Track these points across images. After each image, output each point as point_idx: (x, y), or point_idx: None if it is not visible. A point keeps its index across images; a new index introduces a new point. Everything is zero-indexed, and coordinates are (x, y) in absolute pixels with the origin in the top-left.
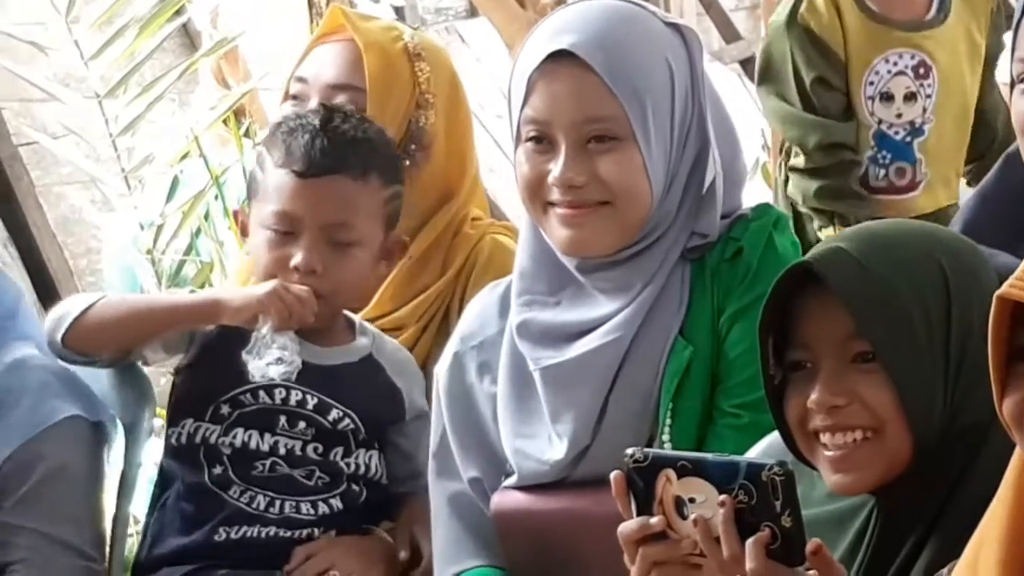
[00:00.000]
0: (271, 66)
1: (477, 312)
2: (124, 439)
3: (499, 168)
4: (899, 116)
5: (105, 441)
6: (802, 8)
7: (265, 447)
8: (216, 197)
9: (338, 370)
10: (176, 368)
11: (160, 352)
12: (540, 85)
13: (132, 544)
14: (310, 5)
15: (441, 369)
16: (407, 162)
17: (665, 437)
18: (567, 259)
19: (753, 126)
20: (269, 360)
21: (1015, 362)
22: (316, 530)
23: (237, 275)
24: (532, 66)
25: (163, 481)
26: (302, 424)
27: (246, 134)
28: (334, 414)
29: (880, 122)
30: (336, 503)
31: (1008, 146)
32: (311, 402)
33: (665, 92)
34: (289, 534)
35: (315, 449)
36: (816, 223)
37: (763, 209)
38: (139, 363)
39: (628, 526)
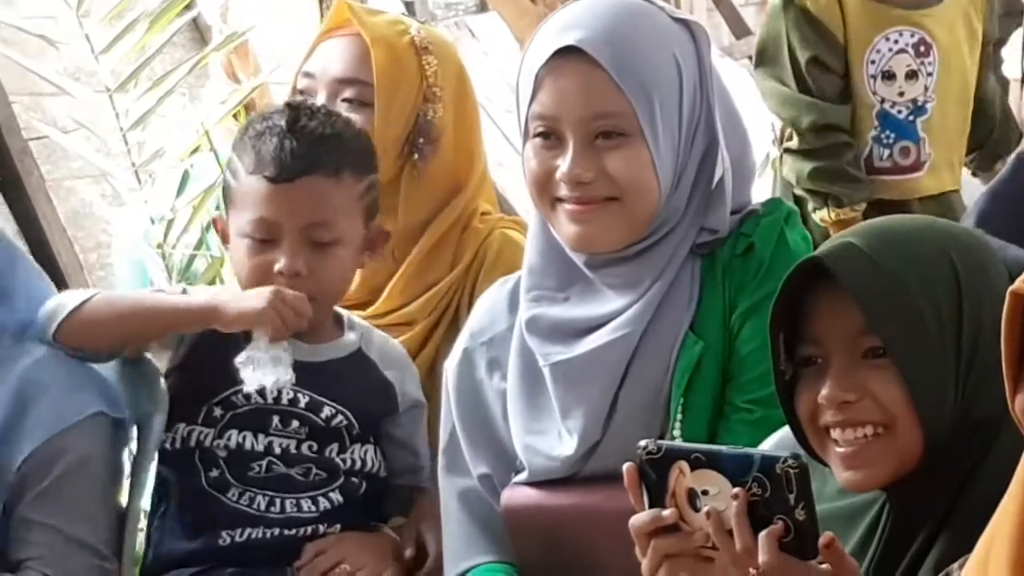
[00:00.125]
0: (281, 60)
1: (487, 308)
2: (136, 436)
3: (508, 162)
4: (901, 94)
5: (124, 439)
6: None
7: (260, 447)
8: None
9: (328, 367)
10: (166, 371)
11: (150, 349)
12: (548, 81)
13: (139, 541)
14: None
15: (451, 365)
16: (415, 156)
17: (676, 432)
18: (576, 255)
19: (763, 121)
20: (264, 371)
21: None
22: (321, 526)
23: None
24: (540, 62)
25: (160, 487)
26: (295, 423)
27: None
28: (326, 411)
29: (883, 101)
30: (336, 497)
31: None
32: (303, 400)
33: (673, 88)
34: (294, 532)
35: (310, 447)
36: (810, 204)
37: (774, 204)
38: (149, 358)
39: (640, 518)
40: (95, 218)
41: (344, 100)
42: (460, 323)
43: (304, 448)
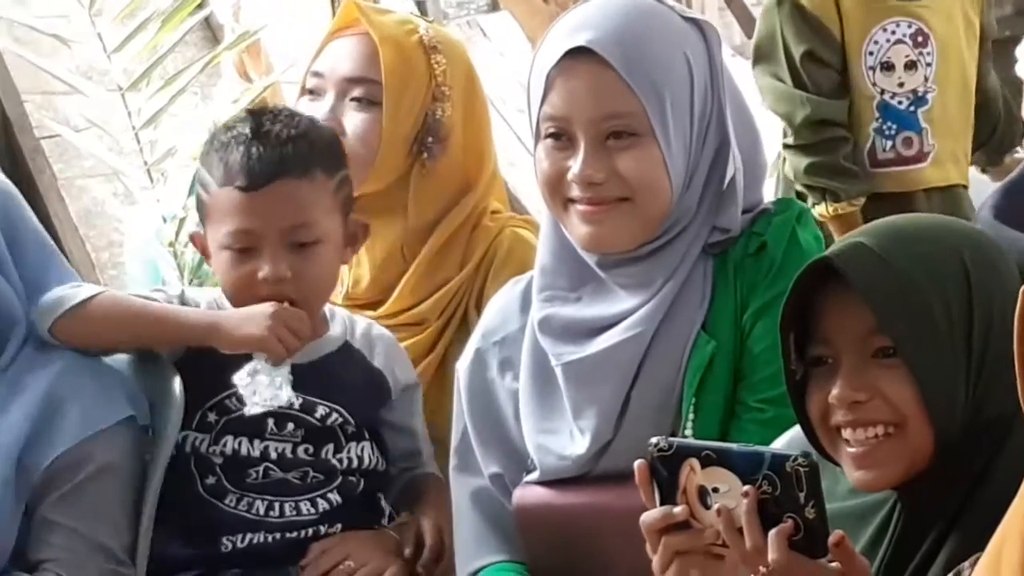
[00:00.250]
0: (293, 59)
1: (499, 308)
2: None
3: (520, 162)
4: (901, 85)
5: (146, 444)
6: None
7: (256, 453)
8: None
9: (317, 365)
10: None
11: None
12: (559, 82)
13: None
14: None
15: (462, 366)
16: (424, 155)
17: (688, 432)
18: (588, 255)
19: (774, 120)
20: (265, 394)
21: None
22: (322, 527)
23: None
24: (551, 63)
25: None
26: (291, 426)
27: None
28: (321, 411)
29: (883, 92)
30: (335, 497)
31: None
32: (296, 403)
33: (684, 87)
34: (295, 534)
35: (306, 450)
36: (809, 200)
37: (786, 204)
38: (164, 357)
39: (651, 515)
40: (107, 217)
41: (353, 99)
42: (469, 322)
43: (300, 451)
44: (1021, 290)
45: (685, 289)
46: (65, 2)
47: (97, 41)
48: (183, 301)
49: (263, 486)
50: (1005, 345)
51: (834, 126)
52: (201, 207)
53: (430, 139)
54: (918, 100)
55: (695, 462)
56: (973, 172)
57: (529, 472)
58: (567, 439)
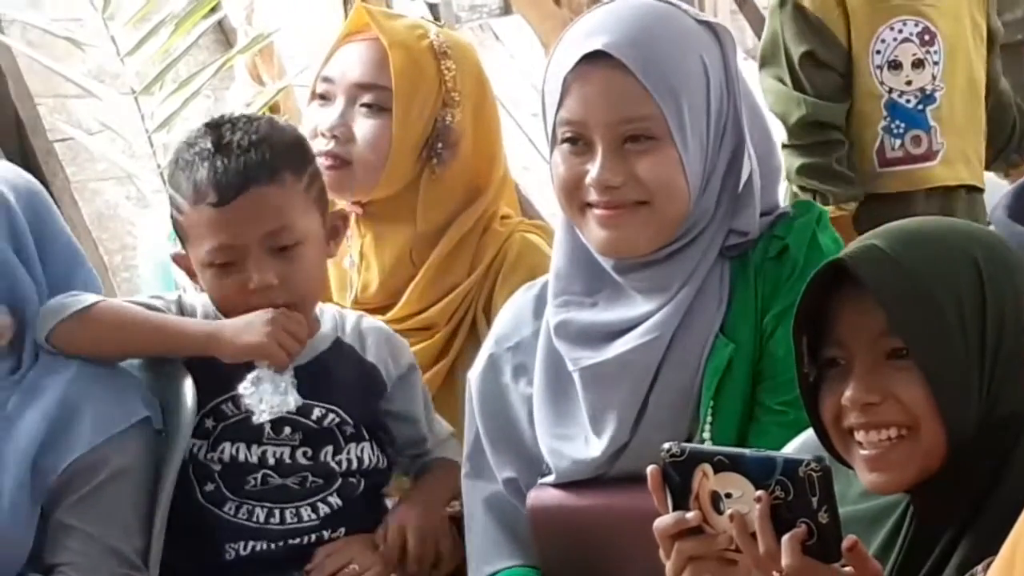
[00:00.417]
0: (307, 63)
1: (512, 314)
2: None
3: (533, 166)
4: (909, 83)
5: (160, 448)
6: None
7: (254, 459)
8: None
9: (311, 365)
10: None
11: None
12: (575, 87)
13: None
14: (345, 1)
15: (474, 373)
16: (434, 160)
17: (706, 435)
18: (604, 259)
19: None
20: (270, 401)
21: None
22: (325, 532)
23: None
24: (567, 68)
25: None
26: (287, 429)
27: None
28: (317, 412)
29: (890, 91)
30: (335, 500)
31: None
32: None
33: (700, 90)
34: (298, 540)
35: (304, 454)
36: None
37: (806, 206)
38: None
39: (664, 520)
40: (120, 220)
41: (363, 105)
42: (478, 328)
43: (299, 455)
44: None
45: (702, 292)
46: (79, 5)
47: (110, 44)
48: (180, 306)
49: (262, 493)
50: (1018, 346)
51: (829, 129)
52: (178, 228)
53: (440, 145)
54: (926, 98)
55: (708, 467)
56: (993, 177)
57: (543, 476)
58: (582, 444)
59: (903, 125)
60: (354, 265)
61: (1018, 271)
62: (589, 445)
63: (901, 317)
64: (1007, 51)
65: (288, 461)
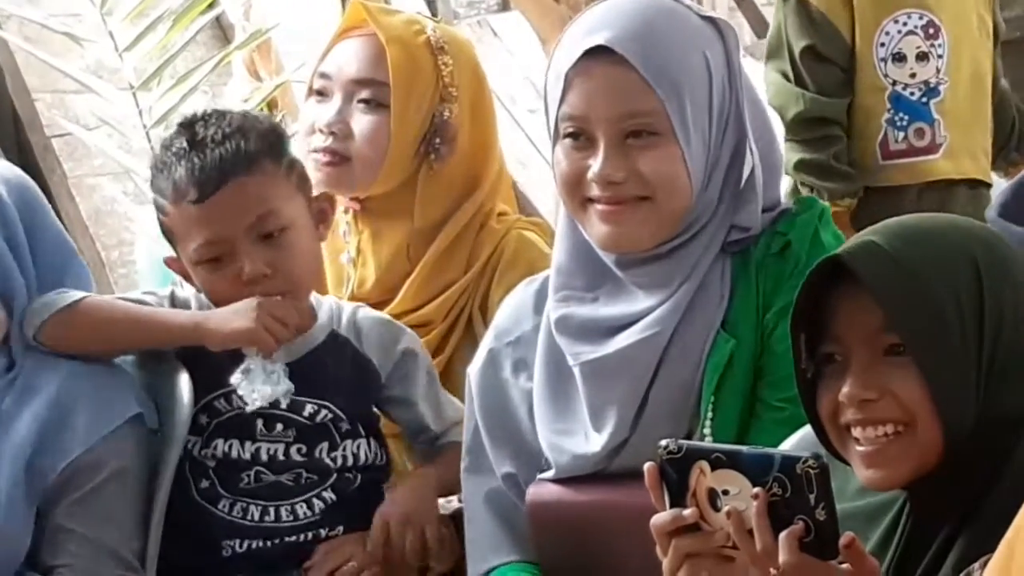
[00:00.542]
0: (304, 58)
1: (512, 309)
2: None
3: (530, 162)
4: (913, 76)
5: (153, 445)
6: None
7: (247, 456)
8: None
9: (306, 361)
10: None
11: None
12: (577, 82)
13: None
14: None
15: (474, 368)
16: (432, 156)
17: (706, 431)
18: (605, 255)
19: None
20: (261, 388)
21: None
22: (323, 530)
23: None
24: (569, 63)
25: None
26: (280, 426)
27: None
28: (309, 409)
29: (894, 83)
30: (329, 496)
31: None
32: (283, 402)
33: (703, 86)
34: (295, 538)
35: (299, 450)
36: (802, 193)
37: (808, 203)
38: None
39: (661, 517)
40: (117, 215)
41: (360, 101)
42: (474, 324)
43: (293, 452)
44: None
45: (703, 288)
46: (77, 1)
47: (108, 40)
48: (173, 300)
49: (255, 491)
50: (1016, 343)
51: (828, 124)
52: (165, 231)
53: (438, 140)
54: (930, 91)
55: (705, 464)
56: (993, 176)
57: (543, 472)
58: (582, 439)
59: (907, 118)
60: (351, 261)
61: (1016, 268)
62: (589, 440)
63: (899, 313)
64: (1007, 48)
65: (282, 458)
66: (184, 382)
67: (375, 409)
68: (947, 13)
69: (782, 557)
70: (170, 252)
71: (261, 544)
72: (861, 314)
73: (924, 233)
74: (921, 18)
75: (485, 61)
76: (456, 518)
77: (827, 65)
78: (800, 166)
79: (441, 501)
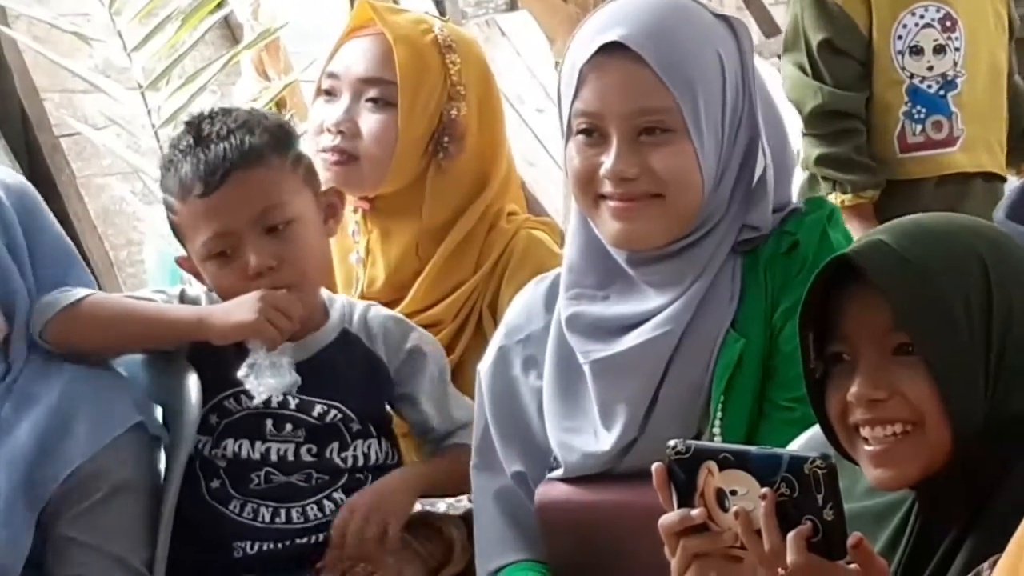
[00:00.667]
0: (312, 58)
1: (523, 306)
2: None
3: (539, 162)
4: (930, 69)
5: (159, 450)
6: None
7: (257, 456)
8: None
9: (316, 360)
10: None
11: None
12: (591, 78)
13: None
14: None
15: (484, 366)
16: (440, 155)
17: (716, 430)
18: (617, 252)
19: (797, 118)
20: (268, 380)
21: None
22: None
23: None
24: (583, 59)
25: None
26: (289, 426)
27: None
28: (318, 409)
29: (912, 76)
30: (340, 496)
31: None
32: (292, 402)
33: (716, 83)
34: (306, 540)
35: (309, 451)
36: (823, 186)
37: (817, 203)
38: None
39: (669, 518)
40: (126, 215)
41: (368, 100)
42: (484, 324)
43: (303, 452)
44: None
45: (714, 287)
46: (85, 0)
47: (117, 39)
48: (183, 299)
49: (265, 492)
50: None
51: (847, 118)
52: (175, 230)
53: (446, 138)
54: (947, 84)
55: (713, 465)
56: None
57: (552, 470)
58: (591, 437)
59: (924, 110)
60: (360, 261)
61: None
62: (599, 438)
63: (907, 313)
64: (1021, 44)
65: (292, 458)
66: (193, 382)
67: (388, 408)
68: (963, 6)
69: (790, 557)
70: (179, 251)
71: (272, 546)
72: (870, 313)
73: (933, 232)
74: (938, 11)
75: (493, 60)
76: (467, 519)
77: (844, 58)
78: (821, 160)
79: (451, 501)
